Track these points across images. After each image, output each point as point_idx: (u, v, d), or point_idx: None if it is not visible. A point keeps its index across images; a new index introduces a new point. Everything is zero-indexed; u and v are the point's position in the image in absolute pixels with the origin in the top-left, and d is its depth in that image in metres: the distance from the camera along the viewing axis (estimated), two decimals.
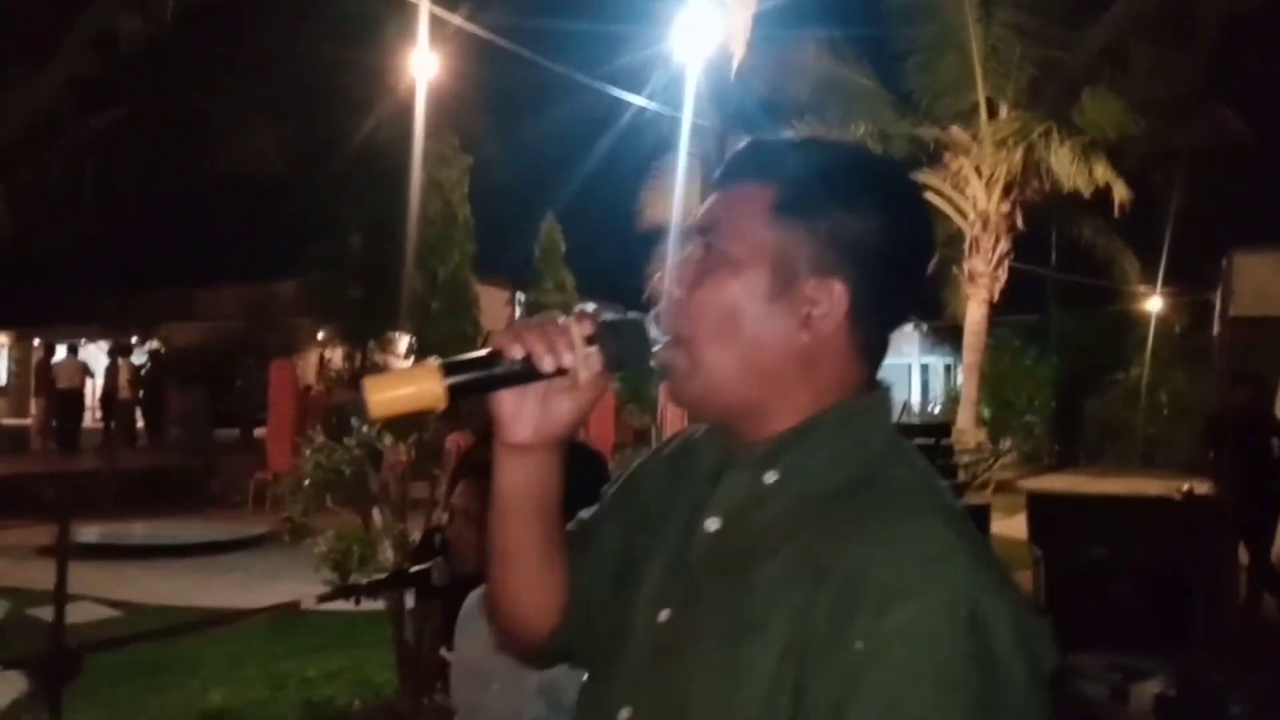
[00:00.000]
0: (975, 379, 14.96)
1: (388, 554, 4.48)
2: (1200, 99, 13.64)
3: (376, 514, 4.74)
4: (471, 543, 2.02)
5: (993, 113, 14.26)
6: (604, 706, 0.96)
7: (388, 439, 5.01)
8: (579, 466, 2.31)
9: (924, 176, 14.28)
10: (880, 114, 14.39)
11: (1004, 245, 14.82)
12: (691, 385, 0.96)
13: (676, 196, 11.47)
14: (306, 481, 4.64)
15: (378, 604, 4.48)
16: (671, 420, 19.28)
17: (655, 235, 15.97)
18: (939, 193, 14.46)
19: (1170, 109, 13.52)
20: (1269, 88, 13.47)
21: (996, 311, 15.62)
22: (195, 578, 8.05)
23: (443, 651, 2.71)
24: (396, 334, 25.31)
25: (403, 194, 18.13)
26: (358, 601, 4.37)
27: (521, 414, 0.96)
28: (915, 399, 25.86)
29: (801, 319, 0.93)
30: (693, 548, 0.96)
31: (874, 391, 0.98)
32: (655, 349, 0.96)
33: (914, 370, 26.87)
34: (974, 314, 14.91)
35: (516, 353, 0.92)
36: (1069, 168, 12.57)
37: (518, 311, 29.94)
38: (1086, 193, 12.54)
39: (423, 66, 11.64)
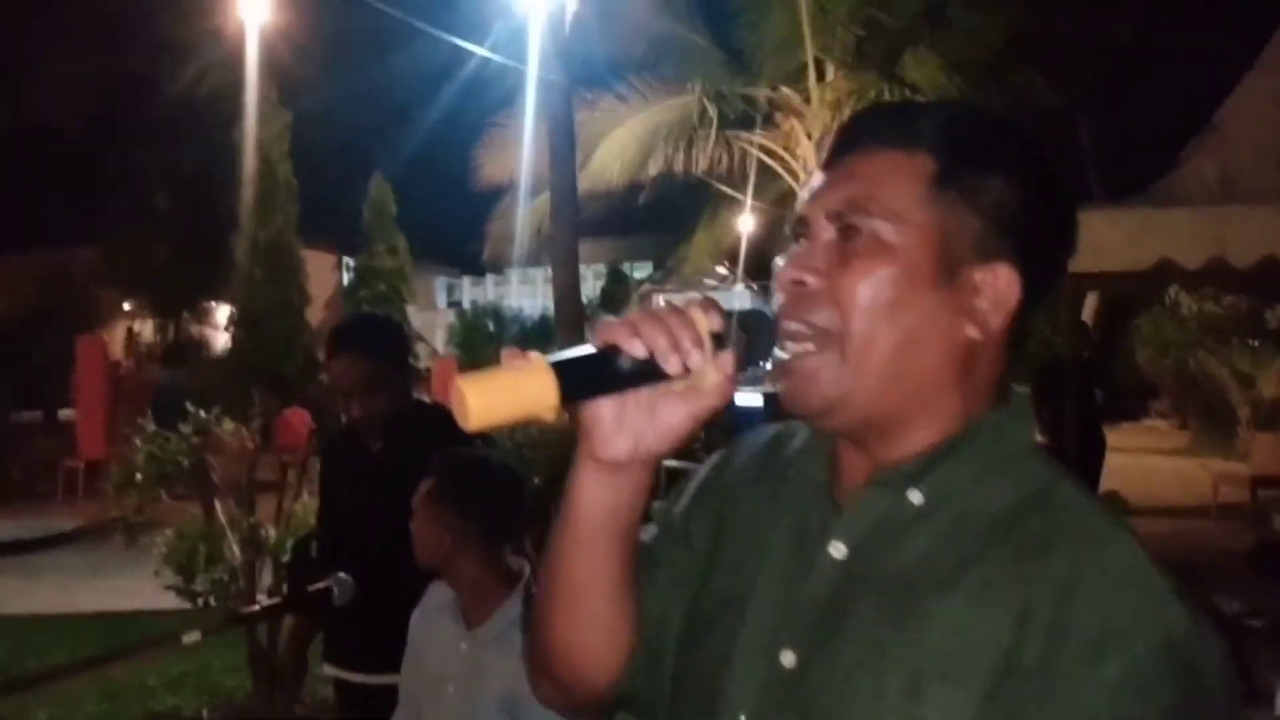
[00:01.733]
0: None
1: (234, 551, 4.15)
2: (1012, 62, 14.31)
3: (220, 507, 4.37)
4: (440, 543, 1.97)
5: (821, 74, 14.52)
6: None
7: (228, 424, 4.63)
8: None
9: (757, 138, 14.44)
10: (714, 72, 14.38)
11: None
12: (838, 385, 0.82)
13: (527, 152, 11.12)
14: (139, 475, 4.22)
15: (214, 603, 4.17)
16: None
17: (493, 195, 15.53)
18: (772, 154, 14.66)
19: (985, 71, 14.11)
20: (1073, 54, 14.24)
21: None
22: (3, 580, 7.32)
23: (328, 668, 2.50)
24: (214, 304, 23.91)
25: (217, 150, 16.95)
26: (207, 603, 4.07)
27: (623, 424, 0.81)
28: None
29: (966, 311, 0.82)
30: (813, 579, 0.84)
31: (1019, 402, 0.86)
32: (785, 346, 0.83)
33: None
34: None
35: (637, 350, 0.77)
36: None
37: (345, 277, 28.82)
38: None
39: (254, 6, 10.76)
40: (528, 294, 33.40)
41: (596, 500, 0.84)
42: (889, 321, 0.81)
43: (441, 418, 2.68)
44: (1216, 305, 16.38)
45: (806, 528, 0.87)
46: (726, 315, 0.80)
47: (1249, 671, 2.77)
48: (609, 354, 0.78)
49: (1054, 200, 0.84)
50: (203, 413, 4.55)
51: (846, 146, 0.86)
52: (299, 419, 12.44)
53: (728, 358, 0.79)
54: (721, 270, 24.04)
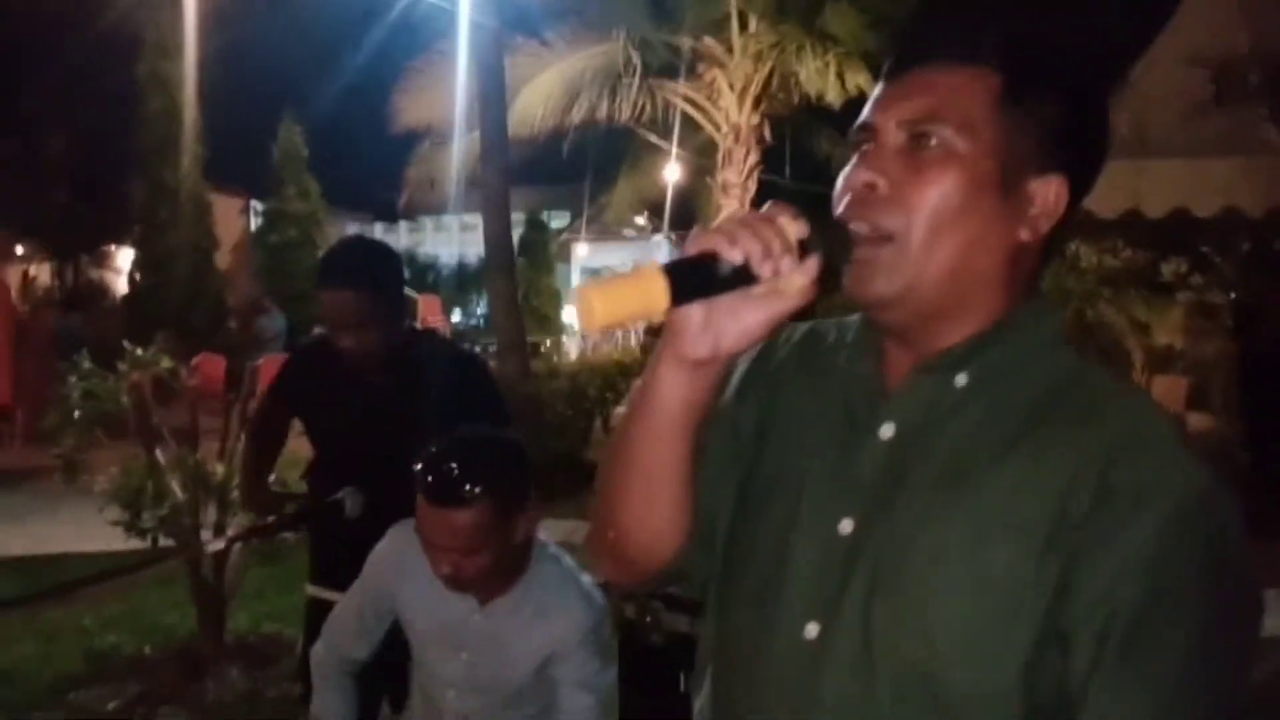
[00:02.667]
0: None
1: (177, 491, 4.11)
2: None
3: (160, 446, 4.32)
4: None
5: (744, 24, 14.57)
6: (776, 623, 0.92)
7: (166, 363, 4.56)
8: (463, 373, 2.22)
9: (681, 88, 14.45)
10: (638, 20, 14.32)
11: (753, 158, 15.34)
12: (896, 282, 0.89)
13: (458, 95, 10.91)
14: (77, 413, 4.13)
15: (147, 543, 4.12)
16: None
17: (410, 140, 15.23)
18: (695, 104, 14.70)
19: (901, 25, 14.36)
20: (991, 10, 14.53)
21: None
22: None
23: (316, 590, 2.50)
24: (114, 248, 22.99)
25: (119, 89, 16.21)
26: (155, 540, 4.03)
27: (709, 326, 0.87)
28: None
29: (1021, 217, 0.90)
30: (864, 458, 0.92)
31: (1046, 299, 0.97)
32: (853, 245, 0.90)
33: None
34: None
35: (735, 256, 0.83)
36: (822, 80, 13.10)
37: (254, 222, 27.97)
38: (838, 104, 13.13)
39: None
40: (444, 241, 32.96)
41: (677, 396, 0.91)
42: (953, 225, 0.88)
43: (438, 347, 2.58)
44: (1114, 258, 17.11)
45: (855, 414, 0.95)
46: (809, 226, 0.86)
47: None
48: (709, 260, 0.84)
49: (1100, 117, 0.93)
50: (139, 351, 4.47)
51: (913, 58, 0.92)
52: (211, 365, 12.15)
53: (814, 263, 0.85)
54: (641, 220, 24.09)
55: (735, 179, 15.30)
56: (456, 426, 1.89)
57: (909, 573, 0.86)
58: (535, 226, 26.62)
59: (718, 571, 1.01)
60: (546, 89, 13.86)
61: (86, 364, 4.26)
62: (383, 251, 2.46)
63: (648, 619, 2.57)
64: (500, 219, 8.41)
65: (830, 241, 0.89)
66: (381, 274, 2.34)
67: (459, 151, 14.49)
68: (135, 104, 17.35)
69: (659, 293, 0.82)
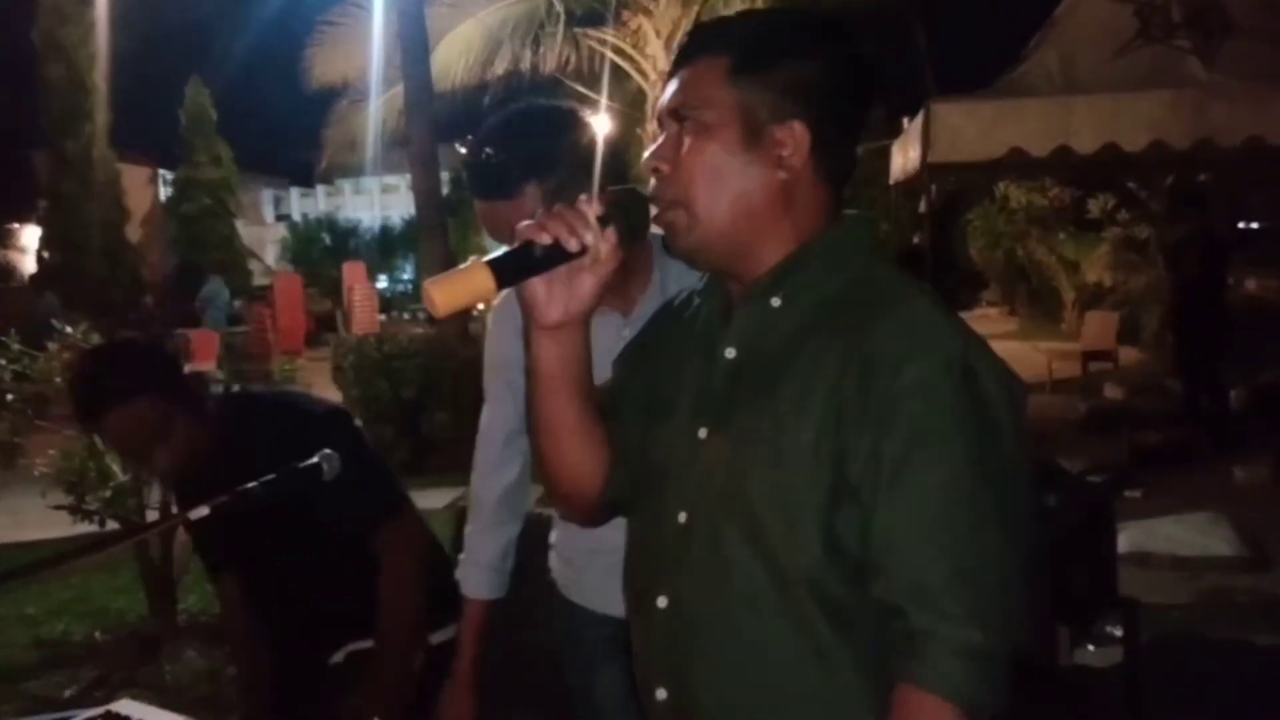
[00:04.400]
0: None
1: (118, 473, 3.97)
2: None
3: None
4: None
5: None
6: (660, 514, 1.14)
7: (95, 339, 4.38)
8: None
9: (607, 35, 14.24)
10: None
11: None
12: (693, 237, 1.11)
13: (374, 48, 10.58)
14: (10, 395, 3.95)
15: (89, 527, 3.98)
16: (359, 302, 18.48)
17: (325, 99, 14.76)
18: (621, 52, 14.52)
19: None
20: None
21: None
22: None
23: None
24: (18, 225, 21.99)
25: (10, 54, 15.41)
26: (102, 522, 3.90)
27: (552, 296, 1.09)
28: None
29: (775, 160, 1.09)
30: (716, 375, 1.13)
31: (850, 220, 1.15)
32: (654, 215, 1.11)
33: None
34: None
35: (544, 239, 1.04)
36: None
37: (164, 191, 26.95)
38: None
39: None
40: (364, 205, 32.24)
41: (550, 357, 1.12)
42: (719, 181, 1.09)
43: (252, 408, 2.09)
44: (1043, 197, 17.47)
45: (709, 341, 1.16)
46: (606, 201, 1.06)
47: (1098, 519, 2.97)
48: (528, 246, 1.04)
49: (835, 72, 1.11)
50: (69, 329, 4.29)
51: (680, 62, 1.15)
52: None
53: (611, 233, 1.06)
54: None
55: None
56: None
57: (746, 457, 1.07)
58: (460, 186, 26.17)
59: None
60: (466, 41, 13.51)
61: (16, 345, 4.07)
62: (123, 351, 2.11)
63: None
64: (430, 176, 8.23)
65: (624, 215, 1.09)
66: (142, 374, 1.93)
67: (378, 109, 14.12)
68: (32, 71, 16.53)
69: (485, 280, 1.02)
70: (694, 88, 1.11)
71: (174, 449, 1.94)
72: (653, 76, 14.92)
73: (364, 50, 13.06)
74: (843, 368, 1.02)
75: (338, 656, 2.19)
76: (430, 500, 5.39)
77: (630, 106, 16.29)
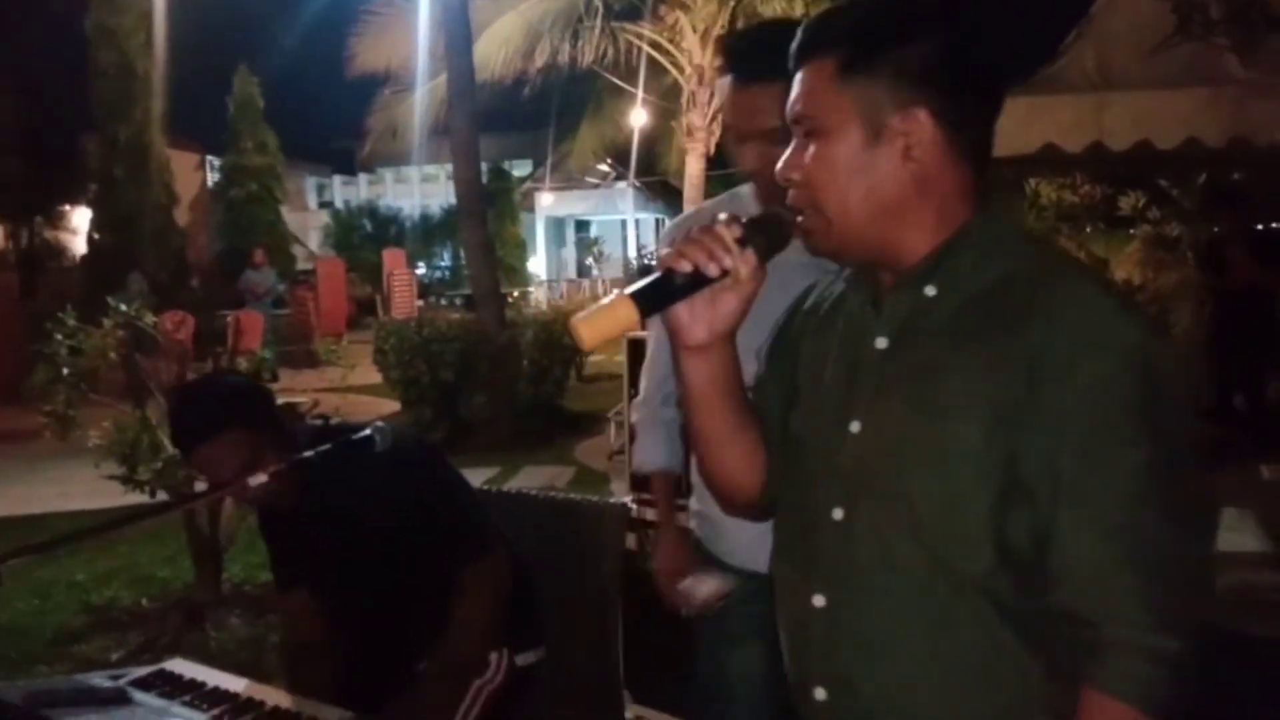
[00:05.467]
0: None
1: (168, 445, 4.14)
2: None
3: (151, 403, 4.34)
4: None
5: None
6: (812, 510, 1.12)
7: (149, 318, 4.56)
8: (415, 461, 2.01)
9: (644, 29, 14.30)
10: None
11: (717, 100, 15.23)
12: (831, 240, 1.10)
13: (420, 38, 10.73)
14: (66, 370, 4.13)
15: (140, 497, 4.13)
16: (398, 287, 18.70)
17: (368, 89, 14.97)
18: (658, 47, 14.56)
19: None
20: None
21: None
22: None
23: None
24: (70, 208, 22.47)
25: (63, 43, 15.77)
26: (153, 492, 4.07)
27: (695, 318, 1.10)
28: (631, 253, 26.66)
29: (901, 152, 1.07)
30: (866, 367, 1.11)
31: (993, 202, 1.11)
32: (794, 226, 1.11)
33: (629, 225, 27.54)
34: (693, 168, 15.36)
35: (685, 267, 1.05)
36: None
37: (211, 177, 27.42)
38: None
39: None
40: (404, 193, 32.53)
41: (699, 377, 1.15)
42: (850, 181, 1.08)
43: (343, 442, 1.91)
44: (1074, 194, 17.33)
45: (858, 332, 1.14)
46: (743, 224, 1.07)
47: None
48: (669, 274, 1.06)
49: (950, 49, 1.07)
50: (122, 306, 4.47)
51: (795, 66, 1.13)
52: (177, 321, 12.05)
53: (750, 255, 1.07)
54: (604, 168, 23.94)
55: (700, 122, 15.23)
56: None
57: (903, 457, 1.05)
58: (498, 175, 26.35)
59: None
60: (506, 34, 13.65)
61: (72, 320, 4.25)
62: (224, 386, 2.14)
63: (646, 549, 2.66)
64: (471, 165, 8.36)
65: (764, 235, 1.10)
66: (237, 408, 1.95)
67: (420, 99, 14.29)
68: (84, 59, 16.91)
69: (628, 313, 1.04)
70: (808, 94, 1.09)
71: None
72: (688, 70, 14.99)
73: (406, 41, 13.23)
74: (1011, 363, 0.99)
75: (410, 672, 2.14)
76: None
77: (665, 99, 16.37)
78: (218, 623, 4.24)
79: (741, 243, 1.07)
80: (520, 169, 29.26)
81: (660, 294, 1.06)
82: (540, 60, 14.05)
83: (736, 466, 1.22)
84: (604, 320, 1.05)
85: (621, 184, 25.32)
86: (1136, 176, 14.12)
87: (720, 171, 20.41)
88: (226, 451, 1.88)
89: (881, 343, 1.10)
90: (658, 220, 27.21)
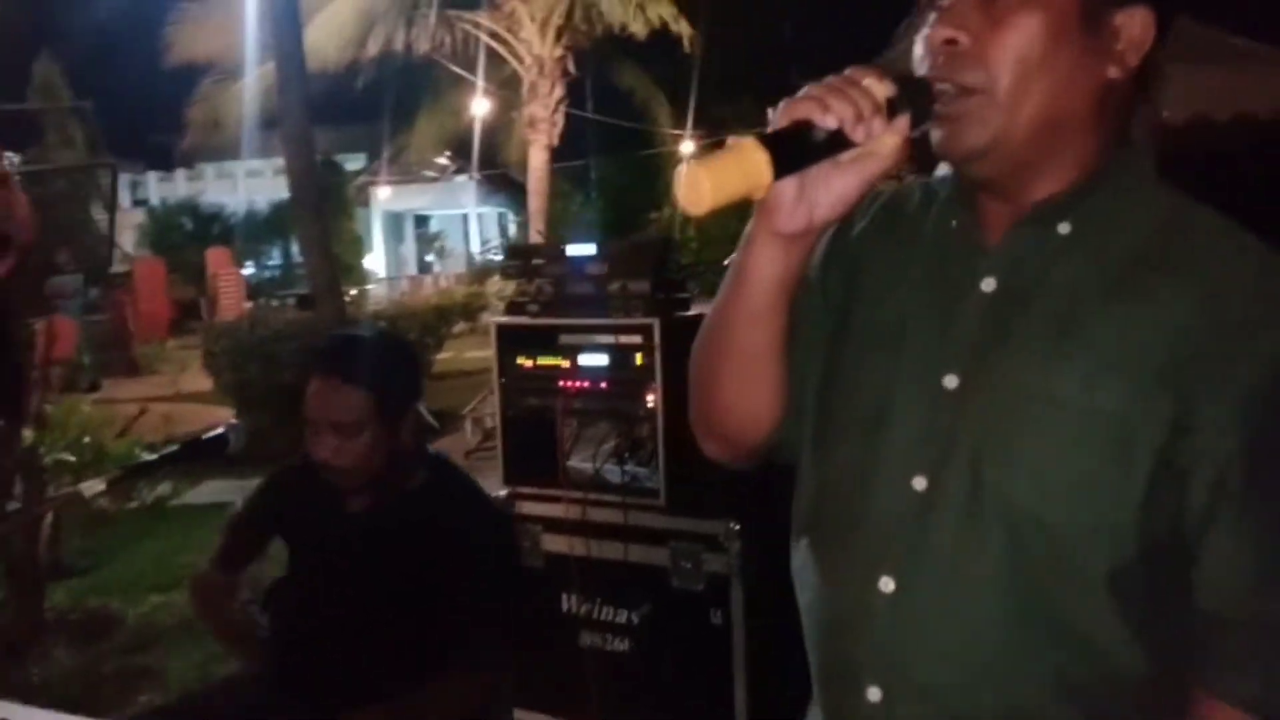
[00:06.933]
0: (542, 224, 15.45)
1: None
2: None
3: None
4: None
5: None
6: (877, 475, 0.92)
7: None
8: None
9: (481, 20, 14.05)
10: None
11: (559, 91, 15.15)
12: (982, 135, 0.87)
13: (247, 23, 10.11)
14: None
15: None
16: (224, 288, 17.77)
17: (188, 78, 14.12)
18: (497, 36, 14.34)
19: None
20: None
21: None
22: None
23: None
24: None
25: None
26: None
27: (804, 197, 0.86)
28: (475, 248, 26.25)
29: (1109, 53, 0.88)
30: (967, 312, 0.92)
31: (1134, 135, 0.94)
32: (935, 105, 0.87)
33: (471, 220, 27.13)
34: (536, 160, 15.23)
35: (830, 122, 0.82)
36: (624, 10, 12.99)
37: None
38: (643, 34, 13.10)
39: None
40: (227, 190, 30.98)
41: (773, 273, 0.91)
42: (1039, 70, 0.86)
43: (453, 487, 1.94)
44: (899, 184, 18.19)
45: (950, 270, 0.94)
46: (897, 81, 0.85)
47: None
48: (806, 127, 0.82)
49: None
50: None
51: None
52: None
53: (904, 122, 0.84)
54: (443, 160, 23.43)
55: (542, 113, 15.09)
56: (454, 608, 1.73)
57: (1021, 422, 0.86)
58: (331, 169, 25.38)
59: (811, 435, 1.01)
60: (338, 20, 13.15)
61: None
62: (401, 348, 2.02)
63: (526, 543, 2.56)
64: (304, 155, 7.95)
65: (915, 101, 0.86)
66: (396, 374, 1.86)
67: (244, 88, 13.58)
68: None
69: (763, 167, 0.80)
70: None
71: (356, 453, 1.77)
72: (528, 60, 14.82)
73: (229, 26, 12.50)
74: (1180, 321, 0.83)
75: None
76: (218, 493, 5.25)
77: (505, 88, 16.13)
78: (40, 655, 3.86)
79: (892, 105, 0.84)
80: (354, 163, 28.32)
81: (797, 150, 0.82)
82: (374, 48, 13.61)
83: (767, 397, 0.99)
84: (731, 170, 0.80)
85: (462, 177, 24.90)
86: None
87: (563, 164, 20.38)
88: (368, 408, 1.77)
89: (989, 284, 0.91)
90: (500, 214, 26.90)
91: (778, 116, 0.84)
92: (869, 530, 0.93)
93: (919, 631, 0.90)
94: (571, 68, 15.32)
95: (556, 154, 16.11)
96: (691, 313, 2.52)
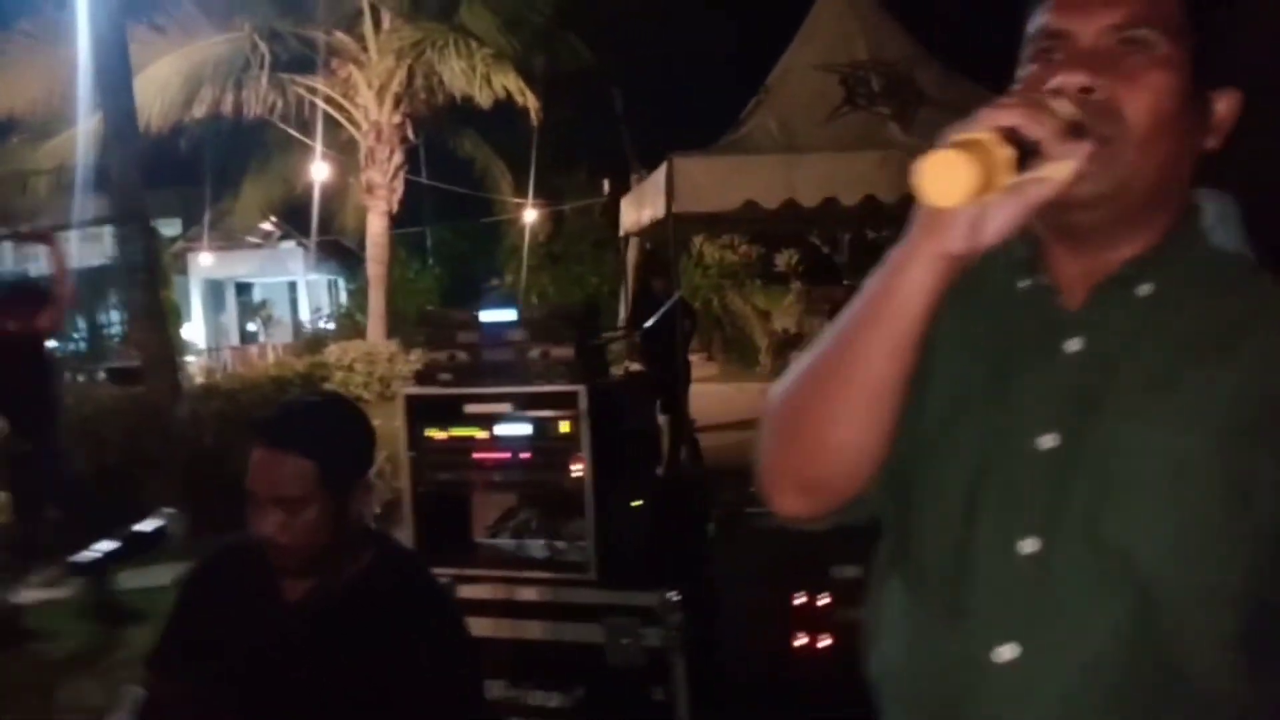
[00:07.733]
0: (382, 291, 15.06)
1: None
2: (559, 27, 15.03)
3: None
4: None
5: (378, 22, 14.15)
6: (986, 544, 0.89)
7: None
8: None
9: (317, 83, 13.75)
10: (262, 10, 13.39)
11: (398, 157, 14.97)
12: (1106, 182, 0.86)
13: (71, 78, 9.46)
14: None
15: None
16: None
17: None
18: (333, 101, 14.05)
19: (535, 33, 14.70)
20: (609, 23, 15.23)
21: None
22: None
23: None
24: None
25: None
26: None
27: (979, 215, 0.80)
28: (304, 316, 25.30)
29: (1210, 126, 0.92)
30: (1055, 372, 0.90)
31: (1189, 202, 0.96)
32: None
33: (300, 287, 26.19)
34: (375, 226, 14.92)
35: (1038, 133, 0.78)
36: (468, 81, 12.97)
37: None
38: (486, 104, 13.08)
39: None
40: (23, 258, 28.76)
41: (923, 301, 0.85)
42: (1166, 129, 0.87)
43: (405, 571, 1.76)
44: (733, 253, 19.03)
45: (1026, 331, 0.93)
46: (1080, 101, 0.84)
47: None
48: (1015, 134, 0.77)
49: (1257, 31, 1.01)
50: None
51: None
52: None
53: (1085, 147, 0.81)
54: (267, 226, 22.55)
55: (381, 179, 14.82)
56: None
57: (1134, 478, 0.85)
58: (154, 235, 24.02)
59: (893, 498, 0.96)
60: (161, 81, 12.53)
61: None
62: (353, 417, 1.80)
63: None
64: (136, 216, 7.49)
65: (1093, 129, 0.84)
66: (345, 445, 1.69)
67: (55, 148, 12.71)
68: None
69: (1007, 165, 0.74)
70: (1158, 4, 0.88)
71: (299, 532, 1.60)
72: (365, 126, 14.55)
73: (38, 82, 11.75)
74: (1254, 384, 0.85)
75: None
76: (156, 577, 4.82)
77: (342, 153, 15.75)
78: None
79: (1077, 129, 0.80)
80: (169, 228, 26.88)
81: (1024, 152, 0.76)
82: (201, 110, 13.03)
83: (879, 435, 0.90)
84: (982, 164, 0.72)
85: (288, 243, 24.07)
86: (790, 234, 15.65)
87: (404, 230, 19.98)
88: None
89: (1074, 345, 0.90)
90: (330, 281, 26.09)
91: (975, 123, 0.78)
92: (976, 598, 0.89)
93: (1044, 697, 0.87)
94: (411, 134, 15.16)
95: (398, 221, 15.81)
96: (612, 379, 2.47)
